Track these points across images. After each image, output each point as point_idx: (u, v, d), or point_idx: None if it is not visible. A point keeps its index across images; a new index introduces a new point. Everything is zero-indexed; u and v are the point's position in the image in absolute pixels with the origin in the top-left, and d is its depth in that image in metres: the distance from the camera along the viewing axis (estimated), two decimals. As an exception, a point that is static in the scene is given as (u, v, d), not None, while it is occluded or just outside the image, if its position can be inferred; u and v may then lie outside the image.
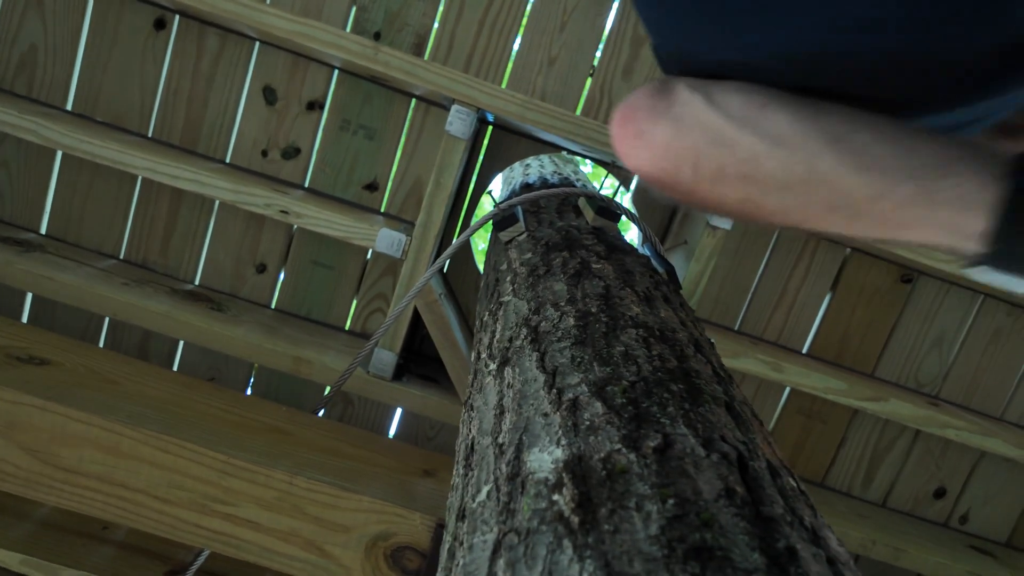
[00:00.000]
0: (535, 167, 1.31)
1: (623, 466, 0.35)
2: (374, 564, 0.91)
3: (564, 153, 1.32)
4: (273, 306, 1.28)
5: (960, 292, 1.32)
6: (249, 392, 1.33)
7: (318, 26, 0.99)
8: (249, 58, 1.19)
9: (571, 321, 0.55)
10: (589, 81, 1.22)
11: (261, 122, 1.21)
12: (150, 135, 1.21)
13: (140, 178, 1.23)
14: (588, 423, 0.40)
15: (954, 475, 1.40)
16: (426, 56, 1.19)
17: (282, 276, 1.27)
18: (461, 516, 0.41)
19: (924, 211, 0.38)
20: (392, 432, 1.35)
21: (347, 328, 1.29)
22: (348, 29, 1.18)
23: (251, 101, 1.21)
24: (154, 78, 1.20)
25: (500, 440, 0.44)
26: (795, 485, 0.40)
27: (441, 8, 1.18)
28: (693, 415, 0.41)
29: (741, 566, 0.28)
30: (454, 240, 1.29)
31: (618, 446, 0.37)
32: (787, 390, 1.34)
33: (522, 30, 1.19)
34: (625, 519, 0.31)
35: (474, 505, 0.40)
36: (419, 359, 1.28)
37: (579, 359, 0.48)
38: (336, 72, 1.20)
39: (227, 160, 1.22)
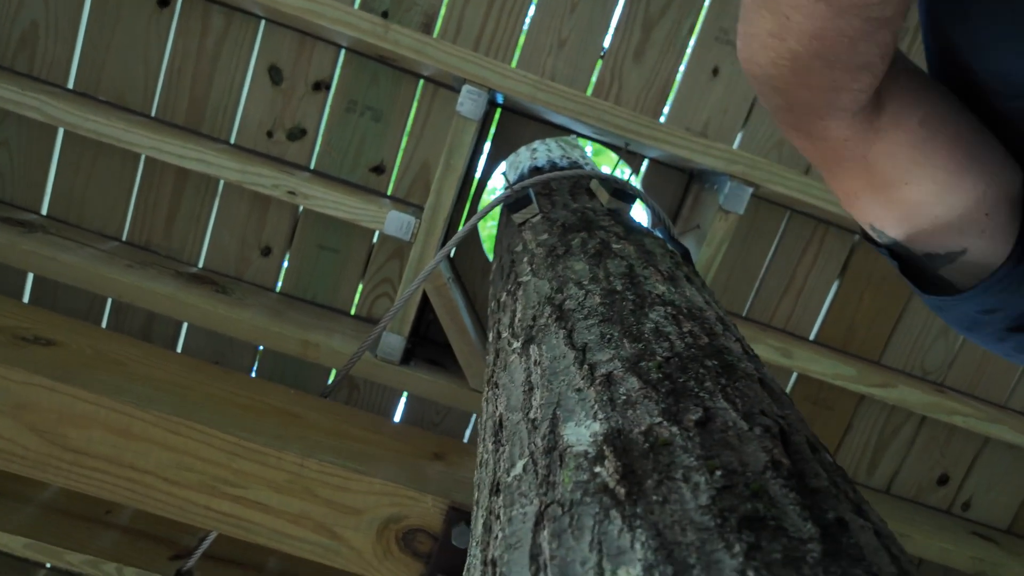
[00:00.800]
0: (543, 151, 1.30)
1: (665, 439, 0.35)
2: (385, 547, 0.91)
3: (571, 138, 1.30)
4: (278, 290, 1.27)
5: (967, 280, 1.31)
6: (254, 376, 1.32)
7: (326, 3, 0.97)
8: (255, 37, 1.17)
9: (596, 299, 0.54)
10: (599, 64, 1.21)
11: (267, 102, 1.19)
12: (153, 114, 1.19)
13: (143, 158, 1.21)
14: (624, 397, 0.40)
15: (958, 462, 1.41)
16: (435, 34, 1.17)
17: (287, 259, 1.26)
18: (495, 491, 0.40)
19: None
20: (398, 417, 1.34)
21: (353, 313, 1.28)
22: (355, 4, 1.16)
23: (256, 81, 1.19)
24: (158, 56, 1.17)
25: (532, 415, 0.43)
26: (832, 460, 0.40)
27: (450, -13, 1.16)
28: (731, 390, 0.40)
29: (795, 535, 0.28)
30: (462, 224, 1.28)
31: (659, 419, 0.36)
32: (794, 376, 1.34)
33: (532, 11, 1.17)
34: (673, 490, 0.31)
35: (509, 479, 0.39)
36: (425, 344, 1.28)
37: (608, 336, 0.48)
38: (343, 52, 1.18)
39: (232, 141, 1.20)
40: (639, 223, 0.89)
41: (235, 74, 1.18)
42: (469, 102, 1.00)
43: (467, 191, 1.27)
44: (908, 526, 1.23)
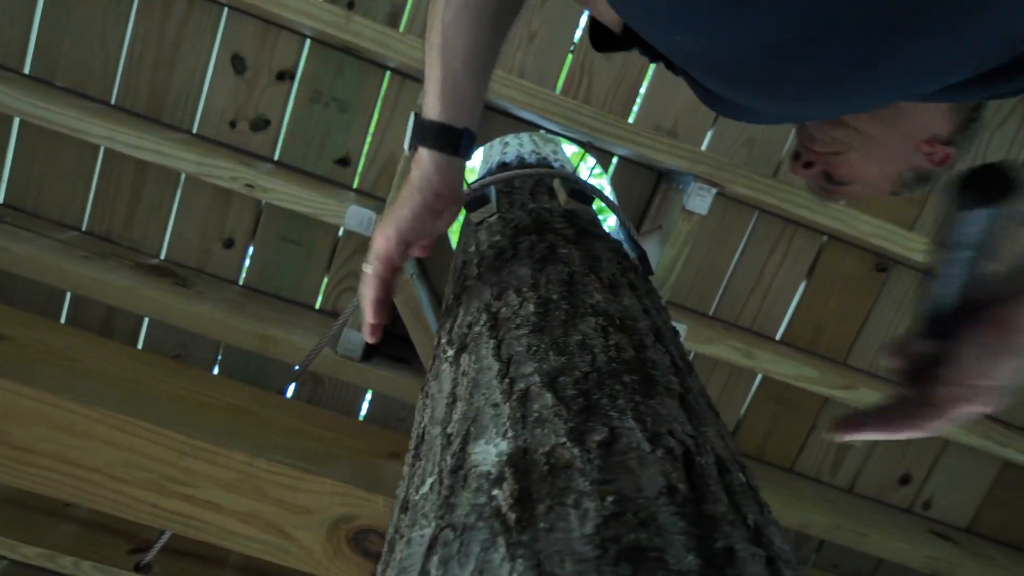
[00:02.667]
0: (514, 145, 1.28)
1: (566, 461, 0.34)
2: (336, 546, 0.91)
3: (543, 132, 1.29)
4: (241, 283, 1.25)
5: (933, 282, 1.32)
6: (216, 370, 1.31)
7: (286, -8, 0.95)
8: (217, 24, 1.15)
9: (531, 308, 0.53)
10: (570, 58, 1.19)
11: (229, 92, 1.17)
12: (113, 102, 1.16)
13: (103, 147, 1.18)
14: (536, 415, 0.39)
15: (919, 463, 1.42)
16: (401, 27, 1.15)
17: (250, 252, 1.24)
18: (404, 508, 0.40)
19: (428, 83, 0.57)
20: (363, 414, 1.34)
21: (318, 307, 1.27)
22: (321, -3, 1.13)
23: (219, 69, 1.16)
24: (117, 42, 1.15)
25: (449, 430, 0.42)
26: (744, 481, 0.40)
27: (418, -22, 1.14)
28: (643, 408, 0.40)
29: (674, 568, 0.28)
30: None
31: (563, 439, 0.36)
32: (759, 376, 1.34)
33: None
34: (562, 516, 0.30)
35: (417, 497, 0.39)
36: (391, 339, 1.27)
37: (535, 347, 0.47)
38: (308, 41, 1.16)
39: (194, 130, 1.18)
40: (597, 225, 0.89)
41: (197, 62, 1.16)
42: (431, 97, 0.98)
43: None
44: (867, 525, 1.25)
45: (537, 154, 1.21)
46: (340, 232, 1.24)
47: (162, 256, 1.24)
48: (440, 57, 0.55)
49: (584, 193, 0.88)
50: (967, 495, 1.44)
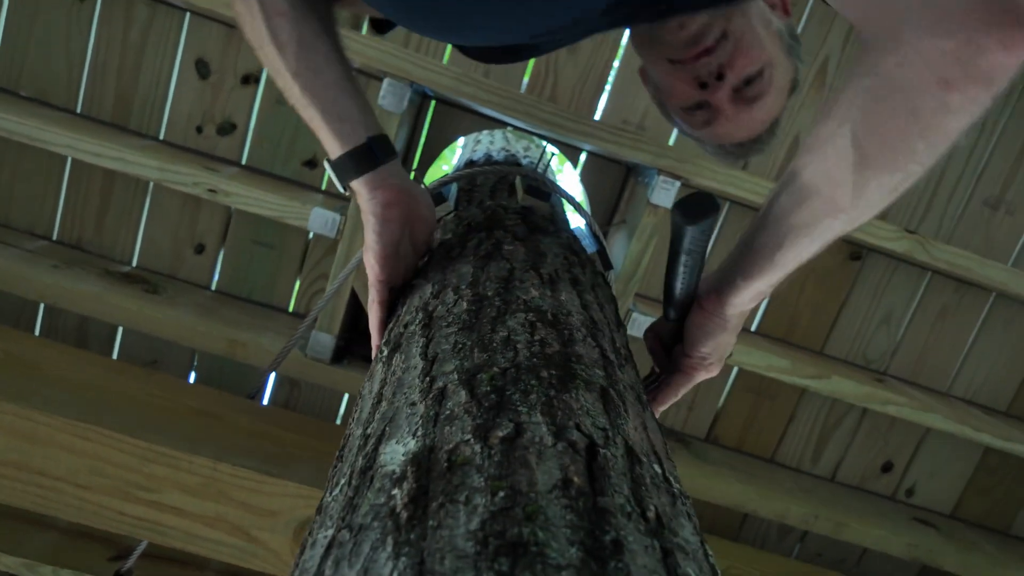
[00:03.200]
0: (484, 143, 1.28)
1: (465, 458, 0.34)
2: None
3: (510, 128, 1.29)
4: (213, 287, 1.25)
5: (908, 270, 1.32)
6: (193, 376, 1.31)
7: (241, -4, 0.95)
8: (180, 29, 1.15)
9: (464, 306, 0.53)
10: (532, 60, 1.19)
11: (195, 96, 1.17)
12: (78, 111, 1.16)
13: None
14: (448, 413, 0.39)
15: (901, 450, 1.42)
16: (364, 25, 1.15)
17: (221, 256, 1.24)
18: (319, 510, 0.40)
19: (316, 124, 0.59)
20: (340, 416, 1.34)
21: (291, 310, 1.27)
22: (283, -1, 1.13)
23: (184, 75, 1.16)
24: (81, 50, 1.15)
25: (368, 431, 0.42)
26: (660, 472, 0.40)
27: (379, -23, 1.13)
28: (556, 402, 0.40)
29: (553, 561, 0.28)
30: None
31: (468, 437, 0.36)
32: (735, 368, 1.34)
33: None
34: (451, 513, 0.30)
35: (329, 499, 0.39)
36: (364, 340, 1.27)
37: (461, 345, 0.47)
38: (272, 45, 1.15)
39: (161, 136, 1.18)
40: (556, 221, 0.88)
41: (161, 68, 1.16)
42: (391, 95, 0.98)
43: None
44: (846, 514, 1.25)
45: (506, 151, 1.21)
46: (311, 234, 1.24)
47: (134, 263, 1.24)
48: (311, 102, 0.57)
49: (541, 189, 0.88)
50: (950, 481, 1.44)
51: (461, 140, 1.32)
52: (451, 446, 0.35)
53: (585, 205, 1.31)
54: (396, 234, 0.62)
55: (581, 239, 0.96)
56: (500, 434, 0.36)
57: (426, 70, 0.98)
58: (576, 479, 0.33)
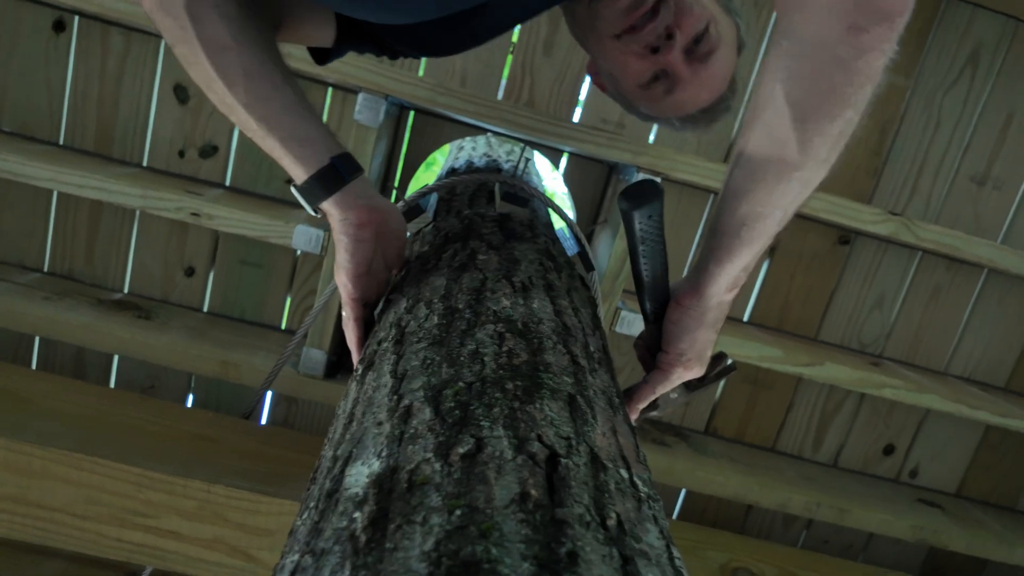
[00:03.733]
0: (467, 150, 1.29)
1: (424, 477, 0.34)
2: (301, 565, 0.91)
3: (489, 135, 1.29)
4: (205, 309, 1.26)
5: (898, 251, 1.32)
6: (190, 399, 1.32)
7: (211, 20, 0.95)
8: (156, 56, 1.16)
9: (435, 320, 0.54)
10: (510, 59, 1.19)
11: (175, 122, 1.18)
12: (61, 142, 1.17)
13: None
14: (413, 431, 0.39)
15: (902, 432, 1.42)
16: (338, 43, 1.15)
17: (211, 278, 1.25)
18: (290, 533, 0.40)
19: (278, 153, 0.58)
20: (338, 427, 1.34)
21: (283, 327, 1.28)
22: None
23: (163, 101, 1.17)
24: (60, 82, 1.16)
25: (338, 452, 0.43)
26: (626, 477, 0.40)
27: (350, -8, 1.14)
28: (520, 414, 0.40)
29: (506, 579, 0.28)
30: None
31: (429, 455, 0.36)
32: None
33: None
34: (407, 535, 0.31)
35: (299, 523, 0.39)
36: (359, 353, 1.27)
37: (430, 361, 0.47)
38: (248, 65, 1.16)
39: (144, 163, 1.19)
40: (535, 226, 0.89)
41: (140, 95, 1.16)
42: (367, 110, 0.99)
43: (389, 192, 1.26)
44: (849, 500, 1.24)
45: (488, 157, 1.21)
46: (298, 252, 1.24)
47: (126, 290, 1.25)
48: (269, 131, 0.57)
49: (518, 195, 0.88)
50: (953, 460, 1.44)
51: (449, 145, 1.32)
52: (413, 466, 0.36)
53: (568, 206, 1.31)
54: (368, 252, 0.62)
55: (562, 241, 0.96)
56: (461, 451, 0.36)
57: (401, 82, 0.99)
58: (534, 492, 0.33)
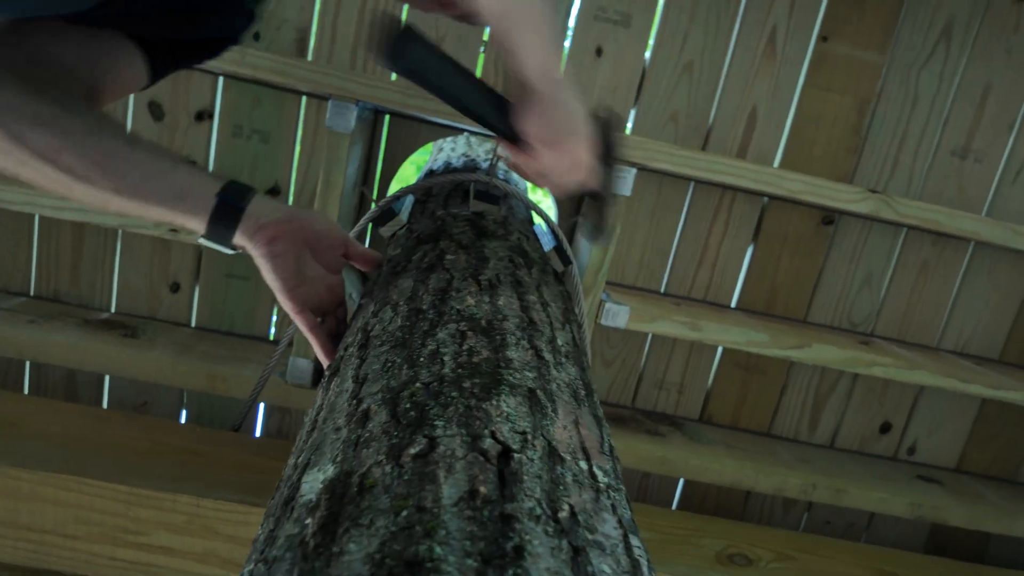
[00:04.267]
0: (447, 150, 1.28)
1: (374, 480, 0.34)
2: None
3: (467, 134, 1.29)
4: (193, 324, 1.26)
5: (883, 228, 1.31)
6: (184, 414, 1.32)
7: (177, 35, 0.96)
8: (129, 74, 1.15)
9: (399, 322, 0.54)
10: (482, 56, 1.19)
11: (152, 138, 1.17)
12: (39, 166, 1.17)
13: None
14: (368, 435, 0.39)
15: (897, 409, 1.41)
16: (309, 51, 1.15)
17: (197, 293, 1.25)
18: (252, 543, 0.40)
19: (168, 217, 0.58)
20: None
21: (272, 338, 1.28)
22: (226, 32, 1.13)
23: (138, 119, 1.17)
24: (34, 106, 1.16)
25: (299, 460, 0.43)
26: (586, 469, 0.40)
27: (318, 1, 1.14)
28: (476, 411, 0.40)
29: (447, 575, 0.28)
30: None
31: (381, 458, 0.36)
32: (719, 347, 1.34)
33: (405, 13, 1.15)
34: (354, 538, 0.31)
35: (259, 532, 0.39)
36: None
37: (391, 364, 0.47)
38: (220, 78, 1.16)
39: (123, 182, 1.19)
40: (510, 223, 0.88)
41: (115, 113, 1.17)
42: (337, 116, 0.98)
43: (371, 196, 1.26)
44: (845, 480, 1.24)
45: (467, 156, 1.21)
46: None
47: (112, 309, 1.25)
48: (145, 203, 0.56)
49: (491, 193, 0.88)
50: (951, 435, 1.43)
51: (432, 144, 1.32)
52: (364, 469, 0.36)
53: (546, 203, 1.31)
54: (291, 263, 0.61)
55: (539, 237, 0.96)
56: (412, 452, 0.36)
57: (371, 87, 0.99)
58: (483, 488, 0.33)
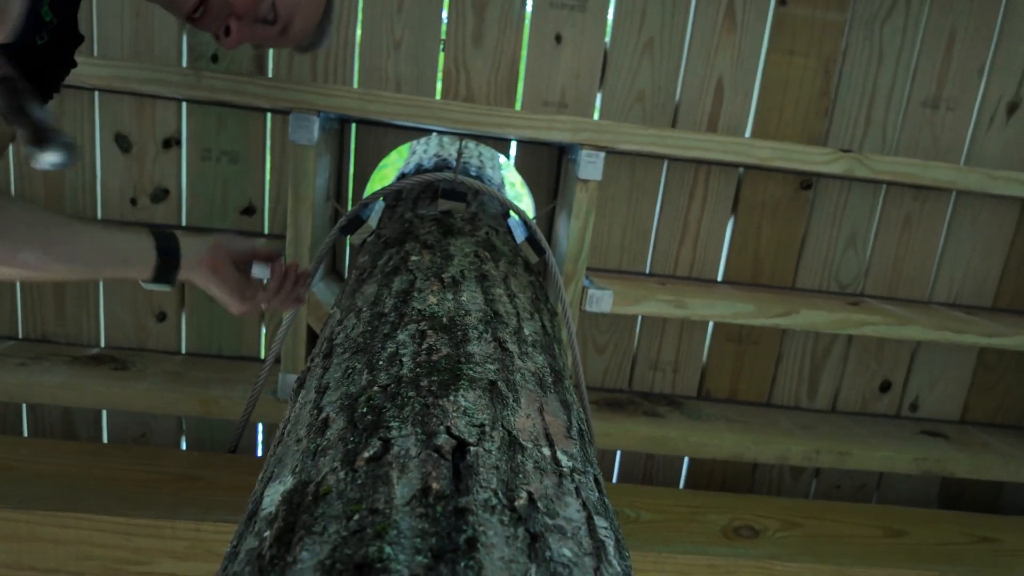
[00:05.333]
0: (419, 152, 1.28)
1: (328, 487, 0.34)
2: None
3: (436, 134, 1.29)
4: (184, 351, 1.26)
5: (862, 187, 1.30)
6: (184, 441, 1.32)
7: (131, 65, 0.96)
8: (92, 109, 1.16)
9: (360, 328, 0.53)
10: (442, 56, 1.19)
11: (122, 171, 1.18)
12: (13, 209, 1.17)
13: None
14: (325, 443, 0.39)
15: (896, 367, 1.41)
16: (269, 66, 1.15)
17: (184, 320, 1.25)
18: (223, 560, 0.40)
19: (114, 275, 0.69)
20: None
21: (263, 357, 1.28)
22: (183, 57, 1.13)
23: (106, 152, 1.17)
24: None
25: (266, 474, 0.43)
26: (548, 455, 0.40)
27: (272, 15, 1.13)
28: (434, 408, 0.40)
29: (396, 574, 0.28)
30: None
31: (336, 465, 0.36)
32: (710, 322, 1.33)
33: (360, 20, 1.15)
34: (306, 547, 0.31)
35: (228, 550, 0.39)
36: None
37: (351, 370, 0.47)
38: (184, 104, 1.16)
39: (99, 216, 1.19)
40: (480, 218, 0.88)
41: (83, 149, 1.17)
42: (300, 129, 0.98)
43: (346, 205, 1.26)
44: (849, 443, 1.24)
45: (438, 157, 1.21)
46: (265, 281, 1.24)
47: (102, 343, 1.25)
48: (98, 271, 0.67)
49: (457, 191, 0.88)
50: (952, 388, 1.43)
51: (408, 145, 1.32)
52: (320, 477, 0.36)
53: (520, 195, 1.30)
54: (231, 276, 0.76)
55: (513, 229, 0.95)
56: (367, 455, 0.36)
57: (329, 96, 0.98)
58: (436, 485, 0.33)
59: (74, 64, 0.76)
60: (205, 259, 0.73)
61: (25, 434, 1.29)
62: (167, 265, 0.70)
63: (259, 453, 1.35)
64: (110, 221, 0.70)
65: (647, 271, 1.30)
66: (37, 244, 0.61)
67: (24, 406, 1.28)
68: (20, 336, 1.24)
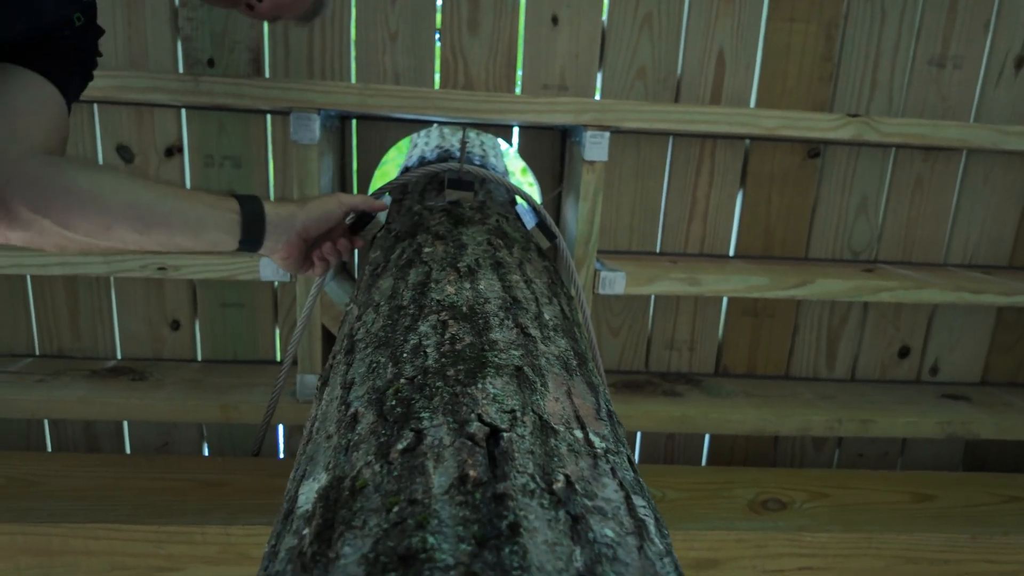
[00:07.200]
0: (420, 145, 1.27)
1: (364, 481, 0.34)
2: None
3: (437, 125, 1.28)
4: (200, 358, 1.27)
5: (871, 151, 1.29)
6: (206, 448, 1.33)
7: (129, 74, 0.95)
8: (92, 121, 1.15)
9: (380, 322, 0.53)
10: (438, 46, 1.17)
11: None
12: (21, 227, 1.18)
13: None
14: (357, 438, 0.39)
15: (914, 331, 1.40)
16: (266, 67, 1.14)
17: (198, 327, 1.25)
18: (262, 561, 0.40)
19: (201, 245, 0.67)
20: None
21: (279, 360, 1.28)
22: (180, 63, 1.13)
23: (109, 163, 1.17)
24: (5, 169, 1.16)
25: (296, 474, 0.43)
26: (581, 437, 0.39)
27: (265, 15, 1.12)
28: (462, 397, 0.39)
29: (442, 563, 0.27)
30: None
31: (371, 458, 0.36)
32: (724, 297, 1.32)
33: (354, 16, 1.13)
34: (348, 541, 0.30)
35: (267, 550, 0.39)
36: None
37: (375, 364, 0.47)
38: (183, 111, 1.16)
39: (106, 229, 1.19)
40: (488, 206, 0.87)
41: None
42: (301, 128, 0.98)
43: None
44: (871, 411, 1.23)
45: (440, 148, 1.20)
46: (276, 283, 1.24)
47: (118, 355, 1.26)
48: (187, 239, 0.65)
49: (464, 180, 0.87)
50: (971, 349, 1.41)
51: (409, 138, 1.31)
52: (355, 472, 0.35)
53: (525, 182, 1.29)
54: (295, 256, 0.73)
55: (522, 215, 0.95)
56: (400, 447, 0.36)
57: (328, 94, 0.97)
58: (473, 472, 0.33)
59: (100, 54, 0.77)
60: (280, 250, 0.72)
61: (49, 449, 1.30)
62: (247, 249, 0.70)
63: (281, 455, 1.36)
64: (201, 190, 0.68)
65: (658, 250, 1.29)
66: (134, 222, 0.59)
67: (46, 422, 1.29)
68: (37, 353, 1.24)
